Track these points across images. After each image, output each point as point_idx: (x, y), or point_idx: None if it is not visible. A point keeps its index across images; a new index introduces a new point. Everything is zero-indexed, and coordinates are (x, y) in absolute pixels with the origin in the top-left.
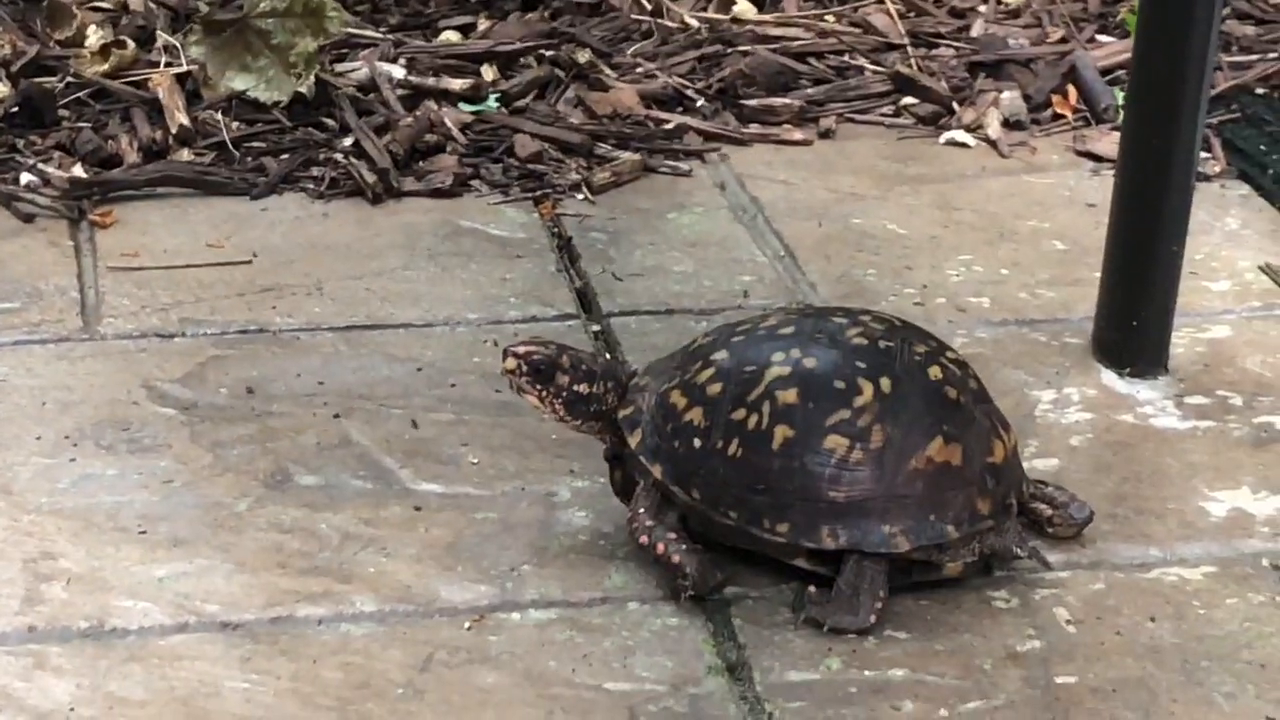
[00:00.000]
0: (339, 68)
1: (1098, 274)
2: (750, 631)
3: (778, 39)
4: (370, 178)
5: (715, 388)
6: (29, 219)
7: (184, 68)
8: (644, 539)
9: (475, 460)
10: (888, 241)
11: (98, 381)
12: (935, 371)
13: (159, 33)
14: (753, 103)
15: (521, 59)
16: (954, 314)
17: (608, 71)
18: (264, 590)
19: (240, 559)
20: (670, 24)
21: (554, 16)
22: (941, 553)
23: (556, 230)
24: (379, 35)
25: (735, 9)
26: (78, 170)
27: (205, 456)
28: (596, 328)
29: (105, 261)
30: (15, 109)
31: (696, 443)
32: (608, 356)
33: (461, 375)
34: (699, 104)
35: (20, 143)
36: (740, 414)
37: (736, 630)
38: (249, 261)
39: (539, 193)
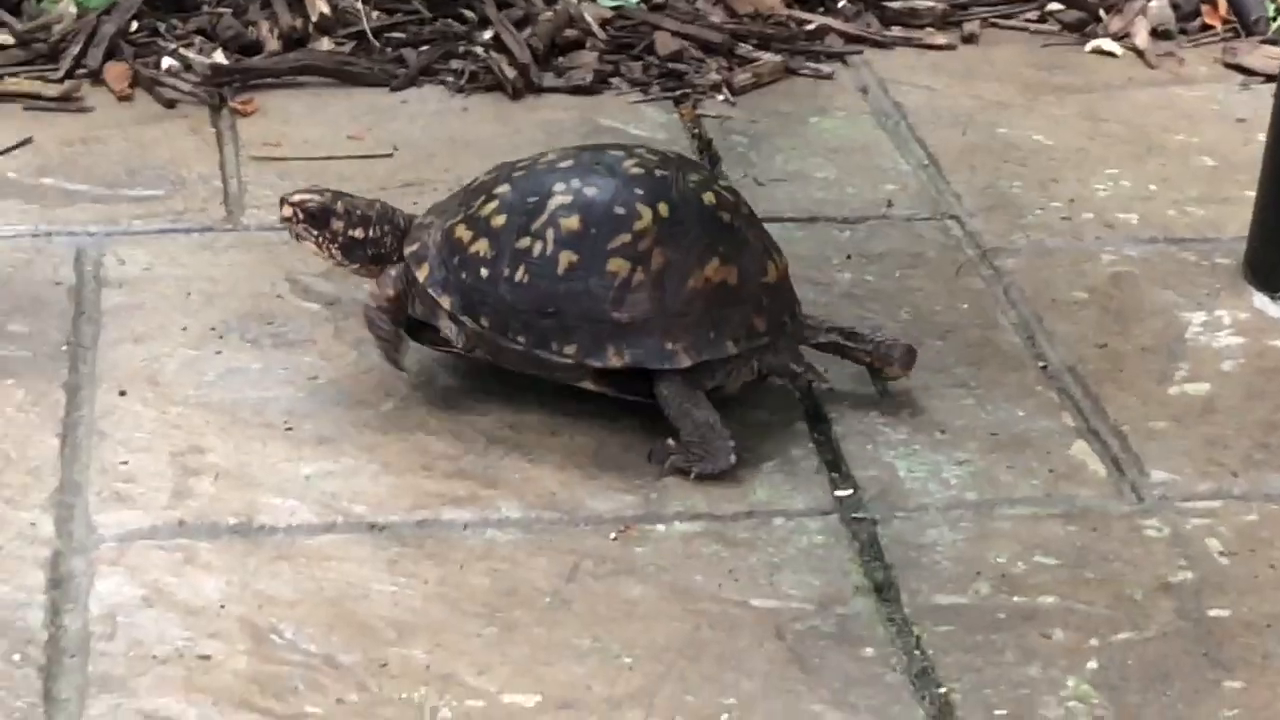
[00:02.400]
0: None
1: (1248, 192)
2: (897, 551)
3: None
4: (510, 72)
5: (500, 219)
6: (171, 105)
7: None
8: (369, 324)
9: None
10: (1033, 153)
11: (242, 274)
12: (709, 197)
13: None
14: (896, 4)
15: None
16: (1101, 230)
17: None
18: (410, 492)
19: (386, 459)
20: None
21: None
22: (722, 369)
23: (697, 132)
24: None
25: None
26: (219, 56)
27: (349, 354)
28: None
29: (247, 151)
30: None
31: (484, 272)
32: (383, 203)
33: None
34: (840, 4)
35: (162, 26)
36: (525, 242)
37: (883, 549)
38: (389, 155)
39: (679, 92)
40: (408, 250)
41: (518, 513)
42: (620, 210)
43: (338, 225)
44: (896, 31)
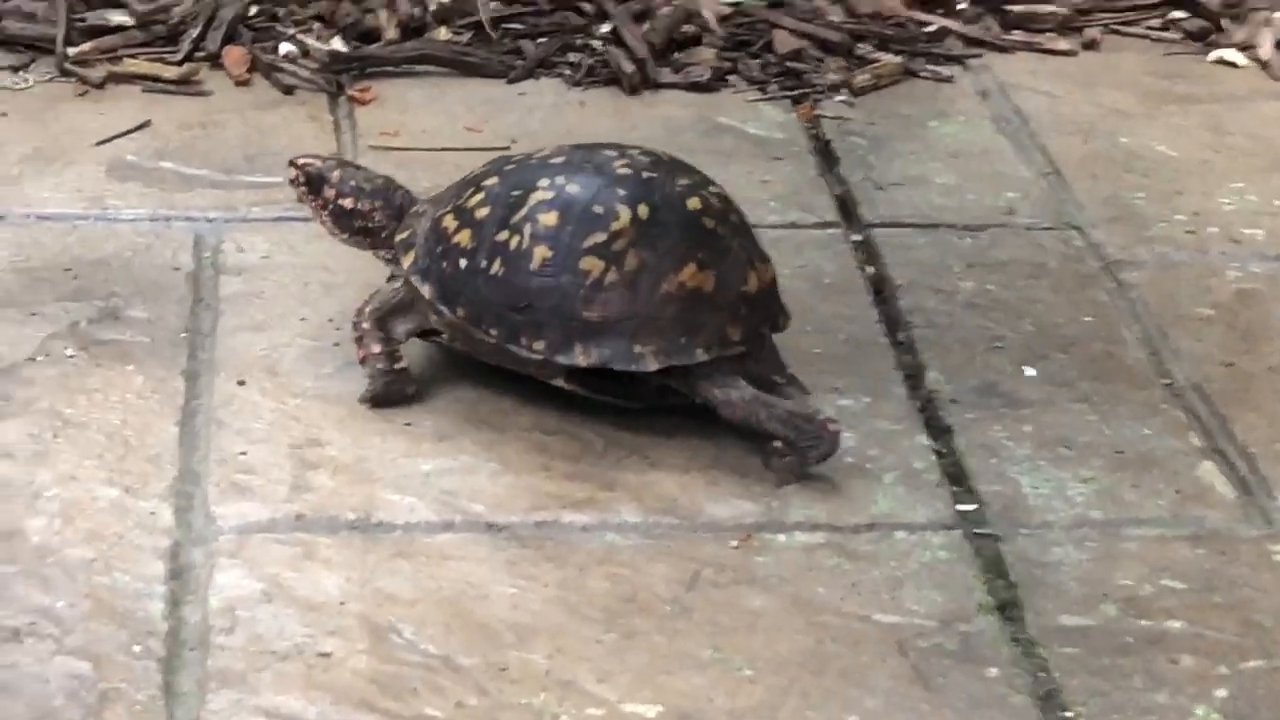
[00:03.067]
0: None
1: None
2: (1021, 569)
3: None
4: (628, 67)
5: (483, 211)
6: (289, 90)
7: None
8: (354, 334)
9: None
10: (1156, 163)
11: (359, 264)
12: (695, 202)
13: None
14: (1017, 8)
15: None
16: (1227, 245)
17: None
18: (528, 492)
19: (504, 458)
20: None
21: None
22: (695, 375)
23: (815, 132)
24: None
25: None
26: (337, 43)
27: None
28: (858, 238)
29: (365, 139)
30: None
31: (463, 263)
32: (389, 179)
33: None
34: (961, 7)
35: (280, 11)
36: (504, 235)
37: (1008, 567)
38: (507, 148)
39: (798, 92)
40: (398, 237)
41: (637, 517)
42: (599, 209)
43: (329, 193)
44: (1017, 36)
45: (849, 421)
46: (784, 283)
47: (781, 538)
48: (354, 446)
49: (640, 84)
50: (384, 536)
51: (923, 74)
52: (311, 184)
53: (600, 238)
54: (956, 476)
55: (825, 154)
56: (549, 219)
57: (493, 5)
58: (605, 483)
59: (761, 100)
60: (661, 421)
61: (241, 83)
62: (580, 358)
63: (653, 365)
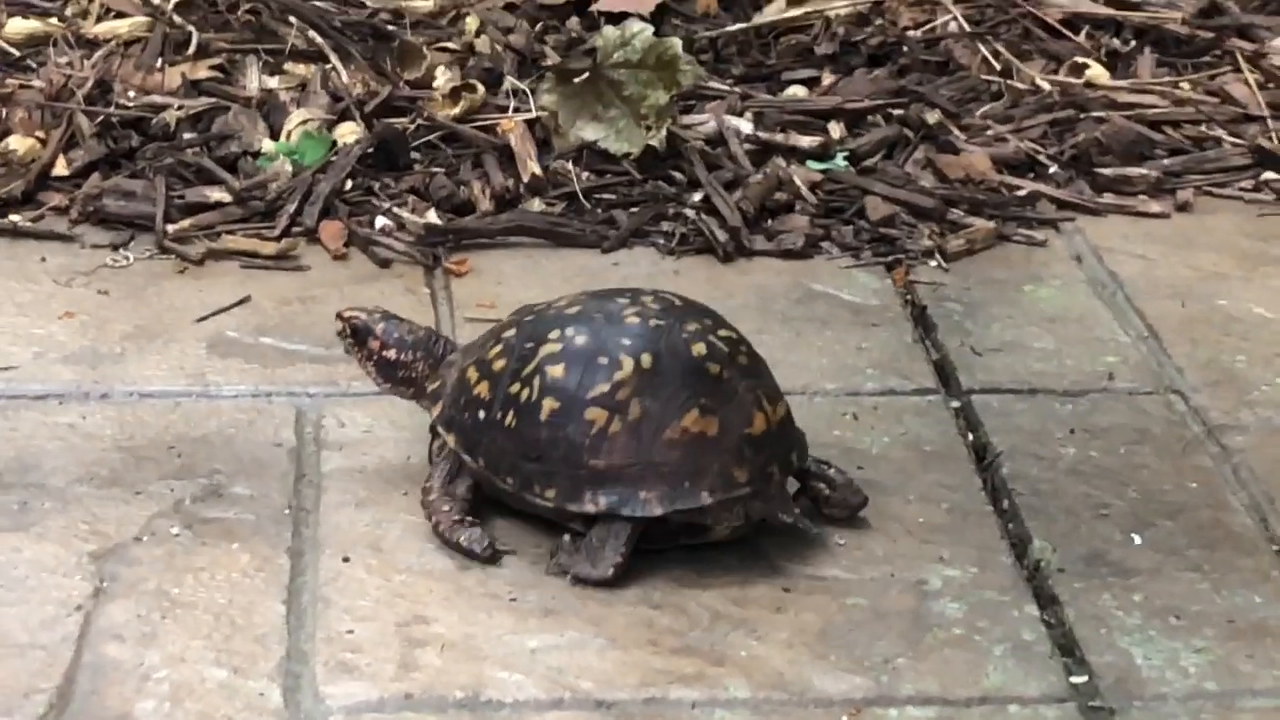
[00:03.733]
0: (685, 120)
1: None
2: None
3: (1132, 106)
4: (721, 235)
5: (500, 363)
6: (385, 264)
7: (532, 114)
8: (427, 513)
9: (842, 541)
10: (1255, 326)
11: None
12: (700, 348)
13: (507, 77)
14: (1108, 171)
15: (869, 116)
16: None
17: (957, 133)
18: (637, 668)
19: (611, 634)
20: (1020, 85)
21: (901, 74)
22: (704, 517)
23: (910, 298)
24: (724, 87)
25: (1088, 73)
26: (431, 216)
27: None
28: (956, 404)
29: (462, 311)
30: (370, 150)
31: (481, 414)
32: (432, 331)
33: (823, 449)
34: (1051, 170)
35: (375, 185)
36: (515, 388)
37: None
38: None
39: (891, 257)
40: (430, 387)
41: (746, 692)
42: (603, 360)
43: (374, 344)
44: (1109, 198)
45: (955, 592)
46: (883, 450)
47: (893, 712)
48: (460, 623)
49: (734, 251)
50: (493, 715)
51: (1015, 238)
52: (357, 335)
53: (604, 388)
54: (1067, 648)
55: (921, 320)
56: (556, 370)
57: (585, 176)
58: (713, 657)
59: (855, 266)
60: (767, 594)
61: (339, 257)
62: (589, 505)
63: (658, 510)
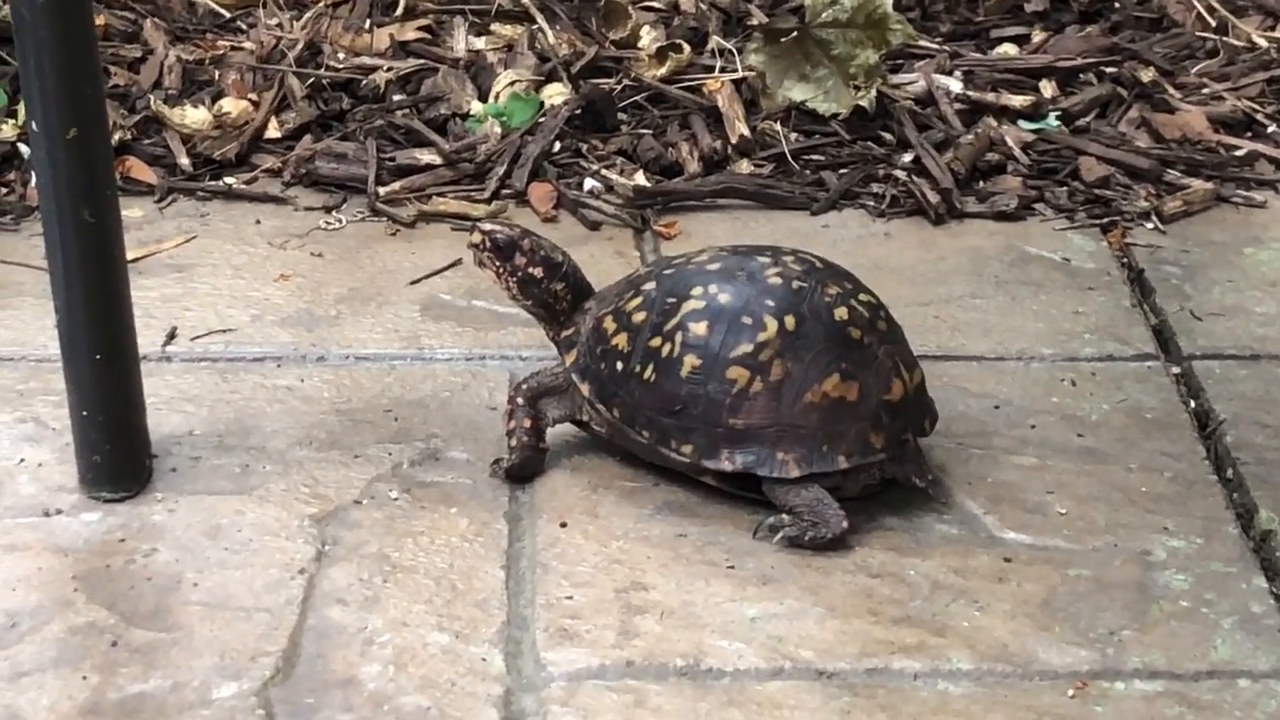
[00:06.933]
0: (894, 79)
1: None
2: None
3: None
4: (933, 197)
5: (640, 316)
6: (595, 226)
7: (739, 74)
8: (507, 407)
9: (1063, 510)
10: None
11: None
12: (842, 312)
13: (713, 37)
14: None
15: (1081, 75)
16: None
17: (1172, 91)
18: (857, 638)
19: (830, 603)
20: (1236, 42)
21: (1114, 31)
22: (838, 478)
23: (1126, 261)
24: (934, 46)
25: None
26: (640, 178)
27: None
28: (1177, 370)
29: None
30: (577, 112)
31: (619, 366)
32: (574, 263)
33: (1041, 416)
34: (1270, 130)
35: (583, 147)
36: (656, 342)
37: None
38: None
39: (1106, 220)
40: (563, 334)
41: (969, 664)
42: (747, 319)
43: (520, 260)
44: None
45: (1181, 563)
46: (1103, 417)
47: (1120, 686)
48: (678, 590)
49: (945, 213)
50: (714, 684)
51: (1234, 199)
52: (500, 251)
53: (747, 348)
54: None
55: (1139, 283)
56: (699, 328)
57: (794, 137)
58: (935, 628)
59: (1069, 228)
60: (987, 564)
61: (548, 219)
62: (726, 463)
63: (795, 472)
